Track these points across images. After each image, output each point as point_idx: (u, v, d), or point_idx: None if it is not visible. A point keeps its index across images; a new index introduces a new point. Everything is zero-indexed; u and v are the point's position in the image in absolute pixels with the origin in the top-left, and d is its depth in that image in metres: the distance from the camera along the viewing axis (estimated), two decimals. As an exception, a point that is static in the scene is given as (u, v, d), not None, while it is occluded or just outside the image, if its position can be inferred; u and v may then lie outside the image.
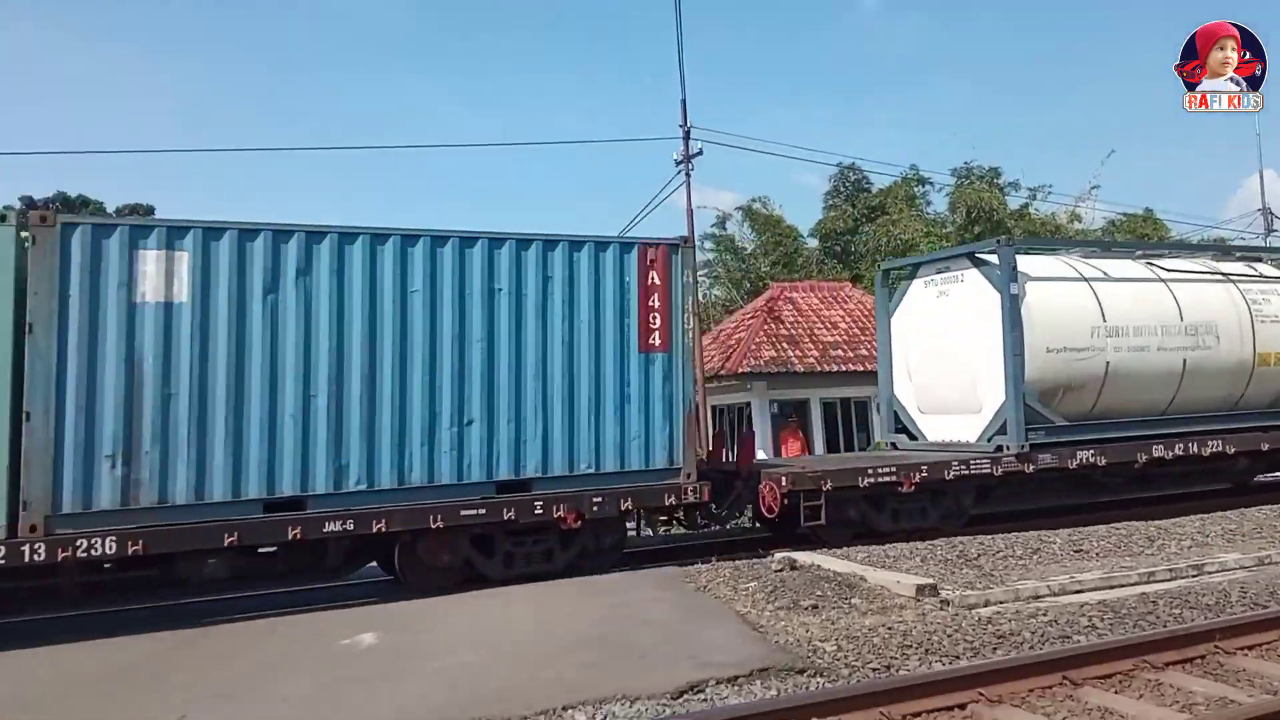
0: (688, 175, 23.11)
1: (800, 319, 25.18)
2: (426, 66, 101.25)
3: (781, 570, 9.76)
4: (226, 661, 7.74)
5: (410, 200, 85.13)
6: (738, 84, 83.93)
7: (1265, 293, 15.66)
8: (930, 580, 9.04)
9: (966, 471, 12.97)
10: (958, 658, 6.97)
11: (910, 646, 7.20)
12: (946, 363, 14.52)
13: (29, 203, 43.46)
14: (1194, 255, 16.45)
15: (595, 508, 10.77)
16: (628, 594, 9.31)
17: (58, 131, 74.73)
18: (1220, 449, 14.66)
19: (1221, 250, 17.26)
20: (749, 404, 23.01)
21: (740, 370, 22.20)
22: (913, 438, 15.31)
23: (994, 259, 14.01)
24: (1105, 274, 14.66)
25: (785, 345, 23.87)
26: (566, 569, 10.94)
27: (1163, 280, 14.96)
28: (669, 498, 11.20)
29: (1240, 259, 16.53)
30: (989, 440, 13.64)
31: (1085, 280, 14.34)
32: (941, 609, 8.28)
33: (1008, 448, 13.34)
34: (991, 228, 30.57)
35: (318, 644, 8.07)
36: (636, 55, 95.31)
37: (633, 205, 37.75)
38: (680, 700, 6.22)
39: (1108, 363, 13.96)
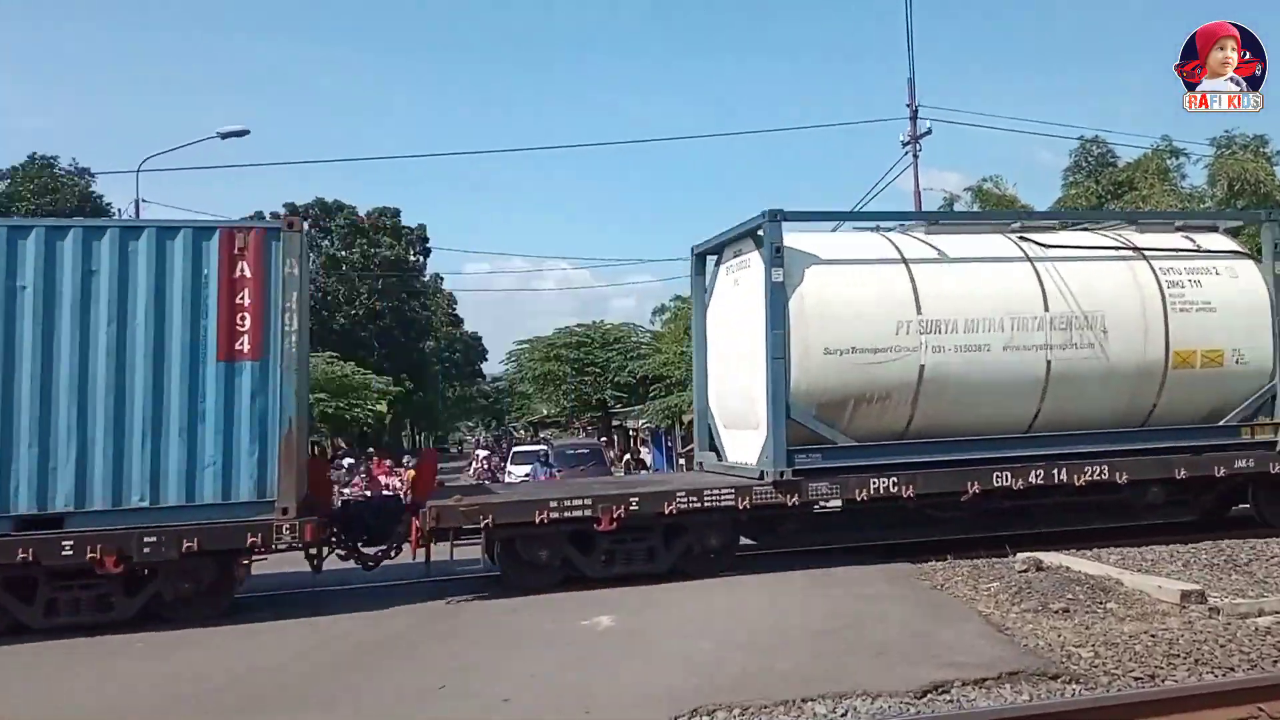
0: (915, 156, 21.94)
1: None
2: (645, 61, 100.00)
3: (1026, 571, 9.47)
4: (477, 637, 8.24)
5: (630, 192, 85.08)
6: (968, 59, 78.14)
7: (1193, 272, 11.92)
8: (1196, 586, 8.42)
9: (697, 505, 10.29)
10: (1232, 669, 6.49)
11: (1177, 656, 6.73)
12: (734, 367, 11.81)
13: (291, 209, 46.97)
14: (1104, 225, 12.78)
15: (147, 550, 8.96)
16: (859, 589, 9.39)
17: (319, 141, 78.99)
18: (1104, 476, 11.22)
19: (1153, 219, 13.35)
20: None
21: None
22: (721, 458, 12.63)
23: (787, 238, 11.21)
24: (941, 253, 11.47)
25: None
26: (136, 619, 9.22)
27: (1030, 259, 11.58)
28: (253, 537, 9.23)
29: (1181, 229, 12.71)
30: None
31: (903, 261, 11.22)
32: (1210, 617, 7.76)
33: (765, 474, 10.57)
34: (1258, 200, 26.78)
35: (558, 624, 8.54)
36: (861, 35, 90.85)
37: (855, 191, 35.46)
38: (924, 700, 6.00)
39: (922, 366, 10.87)
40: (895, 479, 10.72)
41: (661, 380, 33.82)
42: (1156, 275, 11.75)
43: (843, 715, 5.79)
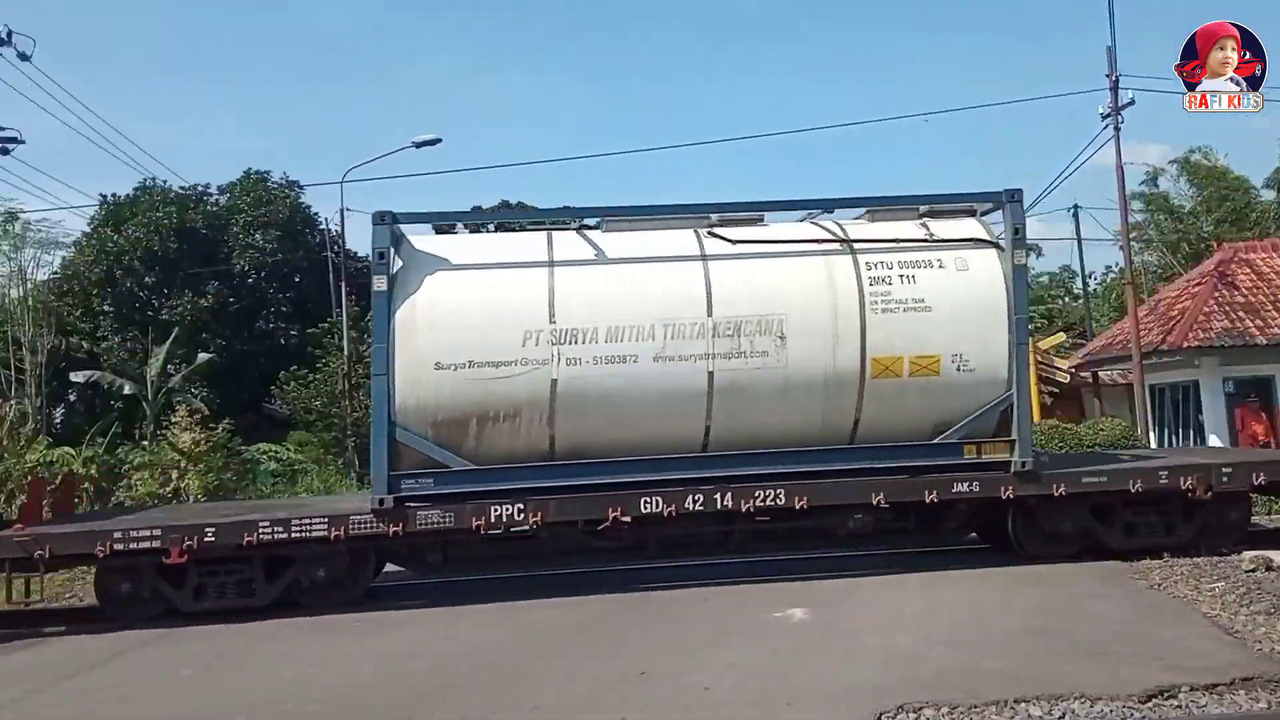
0: (1117, 129, 20.94)
1: (1260, 284, 21.62)
2: (815, 42, 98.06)
3: (1254, 570, 9.17)
4: (671, 626, 8.42)
5: (812, 178, 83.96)
6: (1173, 20, 72.08)
7: (909, 266, 10.36)
8: None
9: (284, 536, 9.54)
10: None
11: None
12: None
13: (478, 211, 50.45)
14: (815, 215, 11.23)
15: None
16: (1066, 587, 9.12)
17: (501, 146, 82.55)
18: (780, 501, 9.90)
19: (893, 205, 11.58)
20: (1195, 382, 20.51)
21: (1186, 345, 19.67)
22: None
23: (418, 241, 10.39)
24: (600, 254, 10.37)
25: (1242, 314, 20.62)
26: None
27: (704, 258, 10.30)
28: None
29: (929, 215, 11.03)
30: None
31: (546, 265, 10.17)
32: None
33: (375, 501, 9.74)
34: None
35: (750, 615, 8.63)
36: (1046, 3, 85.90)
37: (1046, 170, 34.06)
38: (1149, 704, 5.76)
39: (554, 381, 9.80)
40: (521, 506, 9.69)
41: None
42: (859, 272, 10.26)
43: (1059, 718, 5.57)
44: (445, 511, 9.66)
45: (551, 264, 10.17)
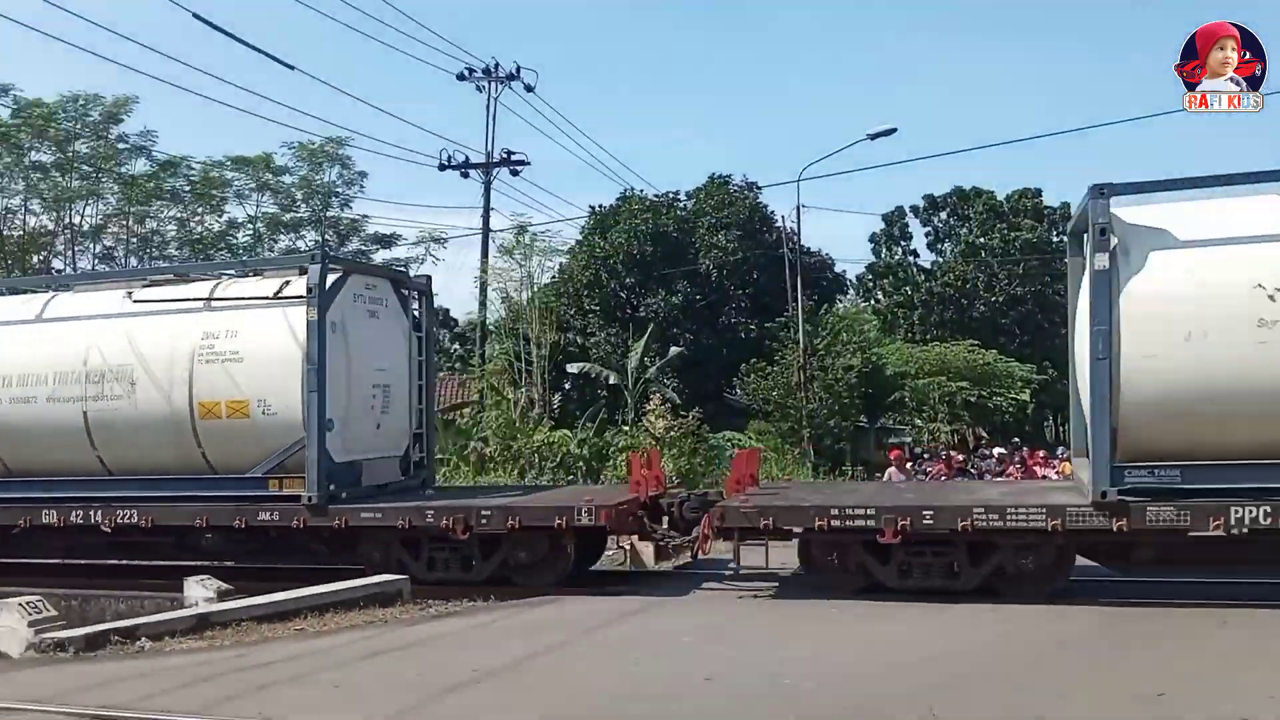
0: None
1: None
2: None
3: None
4: (1181, 645, 7.81)
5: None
6: None
7: (236, 320, 11.96)
8: None
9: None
10: None
11: None
12: None
13: (930, 200, 50.65)
14: (212, 275, 12.85)
15: None
16: None
17: (957, 130, 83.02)
18: (133, 520, 12.12)
19: (269, 265, 12.56)
20: None
21: None
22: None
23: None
24: (39, 315, 13.06)
25: None
26: None
27: (105, 316, 12.62)
28: None
29: (295, 270, 12.35)
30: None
31: (17, 323, 13.07)
32: None
33: None
34: None
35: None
36: None
37: None
38: None
39: (-5, 416, 12.79)
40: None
41: None
42: (201, 327, 12.02)
43: None
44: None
45: (10, 324, 13.03)
